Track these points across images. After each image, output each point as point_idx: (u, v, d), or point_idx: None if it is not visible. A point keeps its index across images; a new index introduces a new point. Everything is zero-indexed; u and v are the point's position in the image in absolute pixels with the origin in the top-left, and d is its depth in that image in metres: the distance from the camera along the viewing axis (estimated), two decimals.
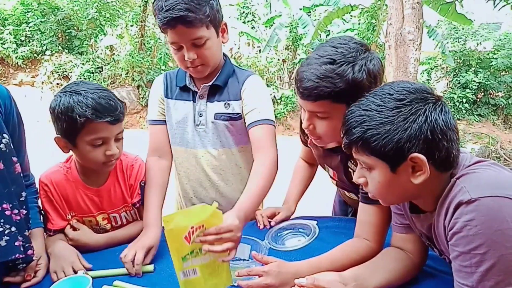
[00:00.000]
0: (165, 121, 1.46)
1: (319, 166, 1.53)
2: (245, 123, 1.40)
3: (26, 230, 1.06)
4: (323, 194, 2.24)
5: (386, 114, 0.85)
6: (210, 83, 1.38)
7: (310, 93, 1.05)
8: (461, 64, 11.84)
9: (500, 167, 0.88)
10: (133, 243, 1.20)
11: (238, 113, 1.40)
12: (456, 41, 11.97)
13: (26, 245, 1.03)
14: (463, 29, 11.55)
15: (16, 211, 1.01)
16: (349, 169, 1.27)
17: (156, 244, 1.20)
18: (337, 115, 1.06)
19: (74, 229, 1.24)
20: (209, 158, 1.45)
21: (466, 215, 0.79)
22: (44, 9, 10.25)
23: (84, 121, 1.10)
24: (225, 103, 1.40)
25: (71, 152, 1.23)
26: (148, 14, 10.15)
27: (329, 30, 12.10)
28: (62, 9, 10.49)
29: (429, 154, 0.83)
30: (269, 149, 1.33)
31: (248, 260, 1.15)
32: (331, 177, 1.46)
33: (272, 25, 12.20)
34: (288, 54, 12.69)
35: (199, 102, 1.41)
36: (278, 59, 12.54)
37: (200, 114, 1.41)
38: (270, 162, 1.30)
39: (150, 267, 1.14)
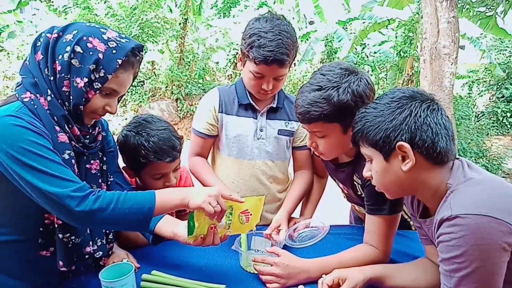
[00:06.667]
0: (209, 135, 1.63)
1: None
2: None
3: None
4: (338, 206, 2.32)
5: (379, 109, 1.01)
6: (275, 105, 1.60)
7: (303, 118, 1.22)
8: (506, 77, 11.23)
9: (491, 181, 0.95)
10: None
11: (294, 131, 1.66)
12: (500, 53, 11.46)
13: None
14: (509, 41, 11.04)
15: None
16: (355, 183, 1.38)
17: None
18: (332, 133, 1.23)
19: None
20: (265, 169, 1.65)
21: (447, 228, 0.88)
22: None
23: (147, 162, 1.28)
24: (286, 122, 1.64)
25: None
26: (187, 31, 10.61)
27: (364, 44, 12.04)
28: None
29: (414, 143, 0.95)
30: (311, 169, 1.71)
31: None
32: (342, 191, 1.57)
33: (308, 40, 12.34)
34: None
35: (260, 119, 1.60)
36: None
37: (261, 129, 1.60)
38: (311, 180, 1.69)
39: None
